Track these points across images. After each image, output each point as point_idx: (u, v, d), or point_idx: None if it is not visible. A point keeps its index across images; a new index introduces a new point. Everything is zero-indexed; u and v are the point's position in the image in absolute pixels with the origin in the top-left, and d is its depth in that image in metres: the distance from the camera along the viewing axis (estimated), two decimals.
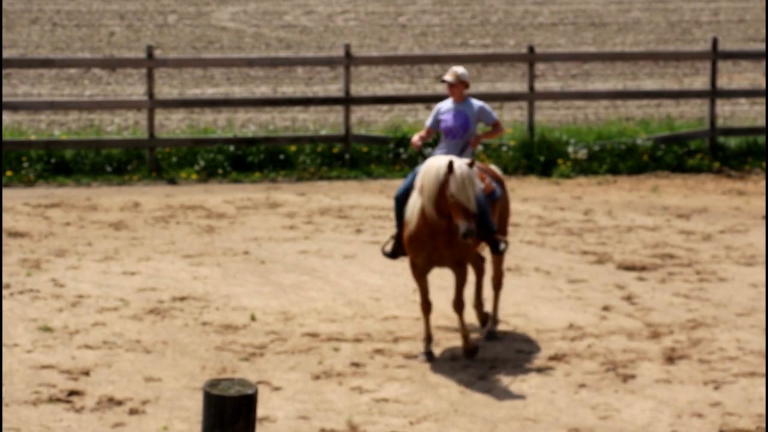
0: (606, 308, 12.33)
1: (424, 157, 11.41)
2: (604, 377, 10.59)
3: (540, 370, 10.74)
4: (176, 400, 9.94)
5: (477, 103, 11.47)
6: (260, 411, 9.40)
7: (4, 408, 9.68)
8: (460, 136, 11.33)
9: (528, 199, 17.16)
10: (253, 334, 11.50)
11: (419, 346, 11.22)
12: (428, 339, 11.00)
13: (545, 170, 18.77)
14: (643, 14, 33.59)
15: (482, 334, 11.56)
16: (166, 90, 23.53)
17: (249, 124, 21.11)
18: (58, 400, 9.84)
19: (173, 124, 21.31)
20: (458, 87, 11.35)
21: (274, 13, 33.54)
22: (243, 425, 5.88)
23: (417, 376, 10.56)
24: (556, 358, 11.00)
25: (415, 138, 11.35)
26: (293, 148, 18.92)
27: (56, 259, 13.72)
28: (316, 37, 30.03)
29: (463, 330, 10.99)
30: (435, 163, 10.67)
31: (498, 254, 11.30)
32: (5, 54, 26.08)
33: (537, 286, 13.06)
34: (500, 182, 11.52)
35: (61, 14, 32.25)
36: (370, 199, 17.06)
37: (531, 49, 19.42)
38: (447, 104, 11.48)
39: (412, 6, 34.66)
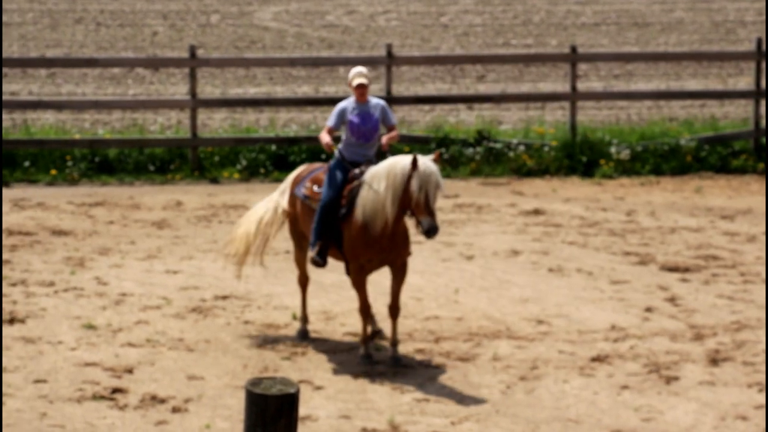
0: (649, 309, 12.27)
1: (348, 161, 11.02)
2: (646, 379, 10.53)
3: (582, 371, 10.70)
4: (218, 399, 9.98)
5: (379, 102, 11.14)
6: (302, 410, 9.42)
7: (49, 405, 9.75)
8: (372, 137, 11.05)
9: (570, 199, 17.10)
10: (295, 333, 11.52)
11: (461, 347, 11.20)
12: (366, 342, 10.87)
13: (587, 171, 18.70)
14: (687, 14, 33.39)
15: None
16: (208, 89, 23.61)
17: (291, 123, 21.15)
18: (102, 397, 9.90)
19: (215, 124, 21.38)
20: (368, 88, 11.08)
21: (316, 13, 33.61)
22: (285, 424, 5.88)
23: (458, 376, 10.55)
24: (598, 359, 10.95)
25: (328, 139, 10.94)
26: (334, 147, 18.90)
27: (100, 257, 13.80)
28: (357, 37, 30.06)
29: (395, 336, 10.88)
30: (398, 165, 10.44)
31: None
32: (50, 53, 26.26)
33: (579, 286, 13.01)
34: None
35: (105, 14, 32.45)
36: None
37: (573, 49, 19.35)
38: (351, 104, 11.09)
39: (454, 6, 34.64)
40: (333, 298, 12.50)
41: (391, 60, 18.98)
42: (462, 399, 10.08)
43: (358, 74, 11.04)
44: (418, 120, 22.05)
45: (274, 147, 18.61)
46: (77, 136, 18.93)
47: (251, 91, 23.81)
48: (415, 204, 10.32)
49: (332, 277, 13.20)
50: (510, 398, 10.12)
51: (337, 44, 29.10)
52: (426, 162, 10.37)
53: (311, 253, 11.10)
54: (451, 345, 11.26)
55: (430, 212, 10.30)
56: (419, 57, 21.85)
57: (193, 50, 18.59)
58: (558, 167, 18.71)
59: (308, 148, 18.81)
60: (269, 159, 18.53)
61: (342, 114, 11.05)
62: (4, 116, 21.54)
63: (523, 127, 20.56)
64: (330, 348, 11.17)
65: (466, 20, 32.67)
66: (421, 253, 14.22)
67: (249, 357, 10.93)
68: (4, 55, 25.53)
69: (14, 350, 10.85)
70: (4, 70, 24.74)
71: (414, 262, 13.75)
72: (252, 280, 12.99)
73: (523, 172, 18.60)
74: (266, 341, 11.31)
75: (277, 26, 31.58)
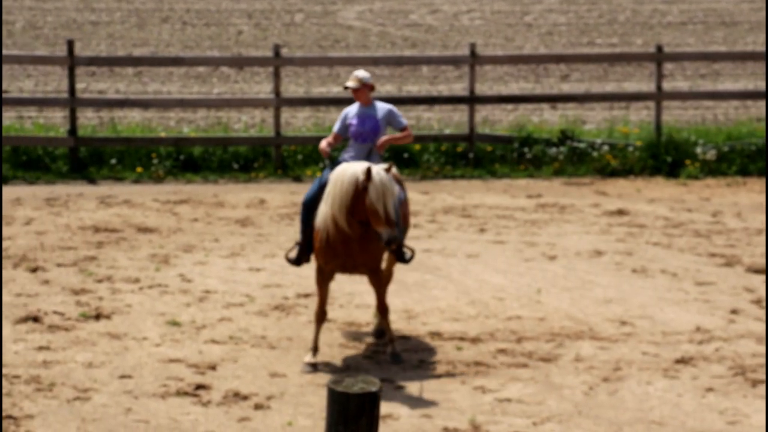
0: (734, 311, 12.12)
1: (333, 162, 11.00)
2: (732, 381, 10.40)
3: (666, 372, 10.59)
4: (300, 396, 10.02)
5: (385, 106, 11.07)
6: (383, 408, 9.43)
7: (134, 400, 9.86)
8: (370, 139, 10.93)
9: (654, 200, 16.96)
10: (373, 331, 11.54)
11: (543, 347, 11.15)
12: (315, 350, 10.68)
13: (672, 171, 18.53)
14: None
15: (373, 331, 11.39)
16: (292, 88, 23.74)
17: None
18: (186, 393, 9.99)
19: (299, 122, 21.50)
20: (362, 91, 10.96)
21: (399, 12, 33.64)
22: (366, 422, 5.90)
23: (540, 376, 10.50)
24: (682, 361, 10.84)
25: (323, 144, 10.87)
26: (417, 146, 18.95)
27: (184, 254, 13.93)
28: (441, 36, 30.04)
29: (390, 334, 10.80)
30: (348, 171, 10.29)
31: (404, 263, 10.95)
32: (137, 52, 26.57)
33: (663, 288, 12.89)
34: (401, 184, 11.02)
35: (191, 13, 32.77)
36: (494, 198, 17.02)
37: (659, 48, 19.18)
38: (354, 108, 11.07)
39: (538, 5, 34.48)
40: (415, 297, 12.51)
41: (474, 59, 18.94)
42: (544, 400, 10.03)
43: (351, 77, 11.00)
44: (501, 119, 21.99)
45: None
46: (163, 134, 19.13)
47: (334, 90, 23.89)
48: (372, 215, 10.14)
49: (415, 276, 13.21)
50: (592, 399, 10.05)
51: (421, 43, 29.09)
52: (379, 172, 10.17)
53: (288, 251, 11.16)
54: (533, 345, 11.22)
55: (389, 222, 10.13)
56: (503, 56, 21.78)
57: (277, 49, 18.71)
58: (642, 167, 18.56)
59: (391, 147, 18.83)
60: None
61: (345, 118, 11.07)
62: (92, 114, 21.86)
63: (607, 126, 20.42)
64: (411, 347, 11.18)
65: (551, 19, 32.51)
66: (503, 252, 14.19)
67: (331, 355, 10.96)
68: (93, 53, 25.88)
69: (100, 346, 10.99)
70: (93, 68, 25.08)
71: (496, 262, 13.73)
72: (334, 280, 13.02)
73: (607, 172, 18.48)
74: (348, 339, 11.34)
75: (360, 25, 31.66)
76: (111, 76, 25.12)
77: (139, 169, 18.32)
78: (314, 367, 10.59)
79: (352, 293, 12.57)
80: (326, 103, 20.20)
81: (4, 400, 9.70)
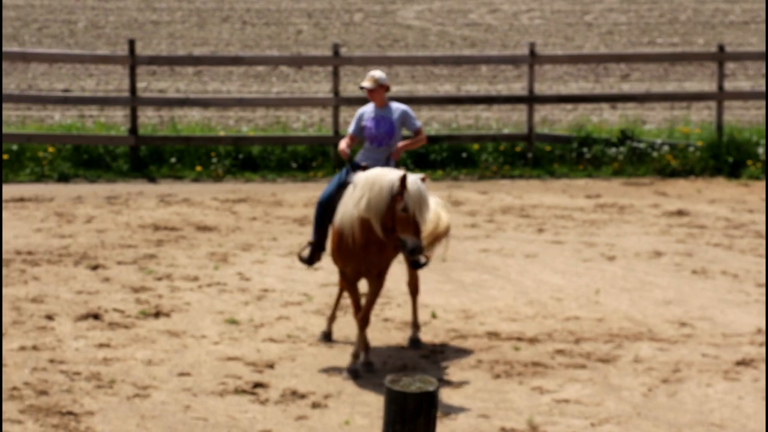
0: None
1: (352, 164, 10.82)
2: None
3: (726, 374, 10.50)
4: (358, 395, 10.04)
5: (399, 107, 10.93)
6: (441, 408, 9.41)
7: (193, 398, 9.92)
8: (386, 142, 10.82)
9: (715, 200, 16.81)
10: (434, 331, 11.54)
11: (601, 348, 11.09)
12: (366, 349, 10.58)
13: (734, 171, 18.36)
14: None
15: (407, 342, 11.21)
16: (351, 87, 23.78)
17: (432, 122, 21.18)
18: (244, 391, 10.04)
19: None
20: (378, 92, 10.84)
21: (458, 12, 33.59)
22: (424, 422, 5.90)
23: (599, 377, 10.44)
24: (743, 363, 10.73)
25: (343, 146, 10.74)
26: (476, 146, 18.91)
27: (242, 253, 14.00)
28: (500, 36, 29.97)
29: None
30: (385, 177, 10.12)
31: (418, 269, 10.84)
32: (197, 51, 26.73)
33: (724, 289, 12.78)
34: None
35: (251, 12, 32.92)
36: (553, 198, 16.95)
37: (721, 47, 19.01)
38: (369, 110, 10.94)
39: (598, 4, 34.31)
40: (473, 297, 12.49)
41: (533, 59, 18.87)
42: (602, 401, 9.98)
43: (367, 77, 10.91)
44: (561, 119, 21.91)
45: None
46: (222, 134, 19.23)
47: (393, 90, 23.92)
48: (401, 222, 10.00)
49: (472, 276, 13.19)
50: (652, 401, 9.99)
51: (480, 43, 29.04)
52: (416, 181, 10.04)
53: (301, 250, 11.11)
54: (592, 346, 11.16)
55: (417, 232, 10.01)
56: (562, 56, 21.68)
57: (336, 48, 18.74)
58: (703, 168, 18.41)
59: (449, 147, 18.82)
60: (410, 157, 18.58)
61: (359, 119, 10.97)
62: (152, 113, 22.03)
63: (668, 126, 20.27)
64: (469, 347, 11.16)
65: (611, 18, 32.33)
66: (562, 253, 14.13)
67: (388, 354, 10.97)
68: (153, 53, 26.08)
69: (159, 343, 11.07)
70: (153, 67, 25.26)
71: (555, 262, 13.68)
72: (391, 278, 13.04)
73: (667, 172, 18.34)
74: (406, 339, 11.34)
75: (419, 25, 31.65)
76: (171, 75, 25.30)
77: (198, 168, 18.43)
78: (370, 367, 10.59)
79: (408, 293, 12.54)
80: None
81: (65, 396, 9.81)
